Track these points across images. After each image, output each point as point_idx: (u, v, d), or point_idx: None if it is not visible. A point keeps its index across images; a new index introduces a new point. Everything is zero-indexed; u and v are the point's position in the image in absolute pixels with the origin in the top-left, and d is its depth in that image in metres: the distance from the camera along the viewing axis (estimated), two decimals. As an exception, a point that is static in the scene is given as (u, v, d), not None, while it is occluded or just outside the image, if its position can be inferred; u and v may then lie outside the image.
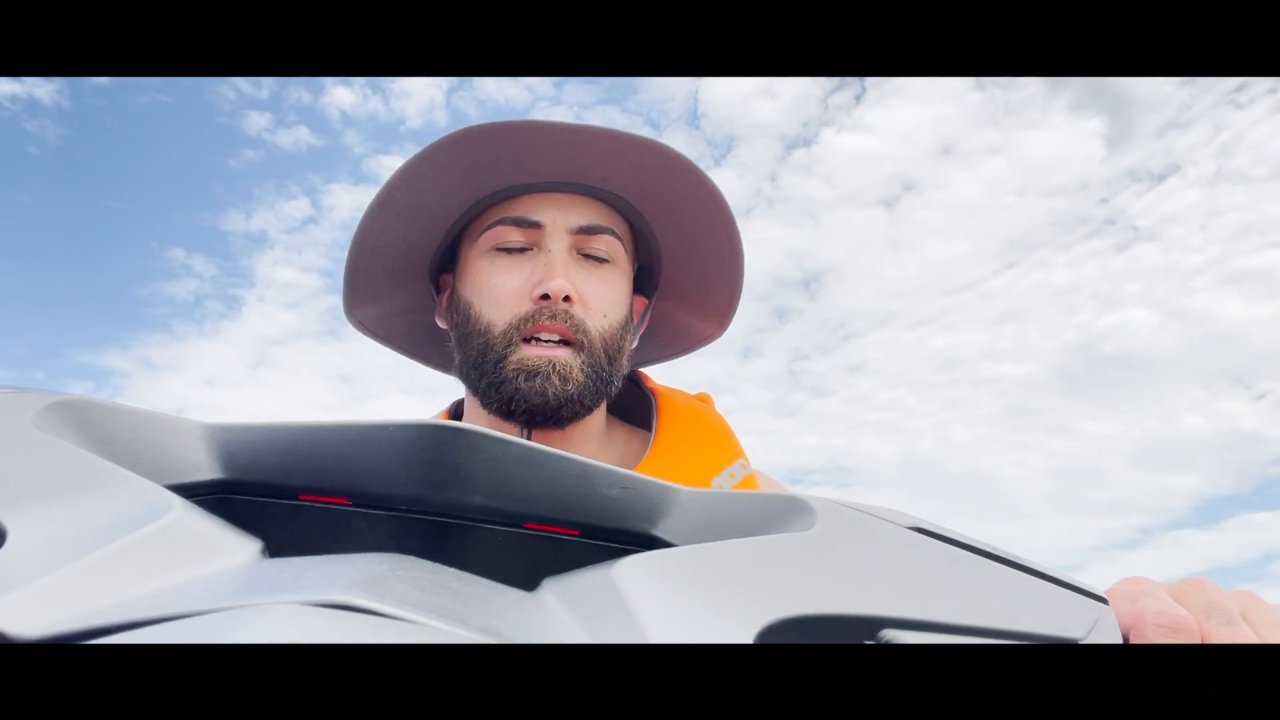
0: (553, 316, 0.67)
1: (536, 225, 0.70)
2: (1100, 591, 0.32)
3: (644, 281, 0.79)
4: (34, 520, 0.22)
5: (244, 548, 0.23)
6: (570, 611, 0.22)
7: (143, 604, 0.19)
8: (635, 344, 0.77)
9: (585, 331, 0.68)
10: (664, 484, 0.32)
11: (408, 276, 0.77)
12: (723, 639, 0.21)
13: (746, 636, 0.22)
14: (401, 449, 0.29)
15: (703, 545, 0.26)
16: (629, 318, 0.74)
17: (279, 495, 0.31)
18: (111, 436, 0.30)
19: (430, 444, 0.29)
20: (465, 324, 0.71)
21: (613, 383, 0.71)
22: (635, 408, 0.82)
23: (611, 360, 0.70)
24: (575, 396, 0.67)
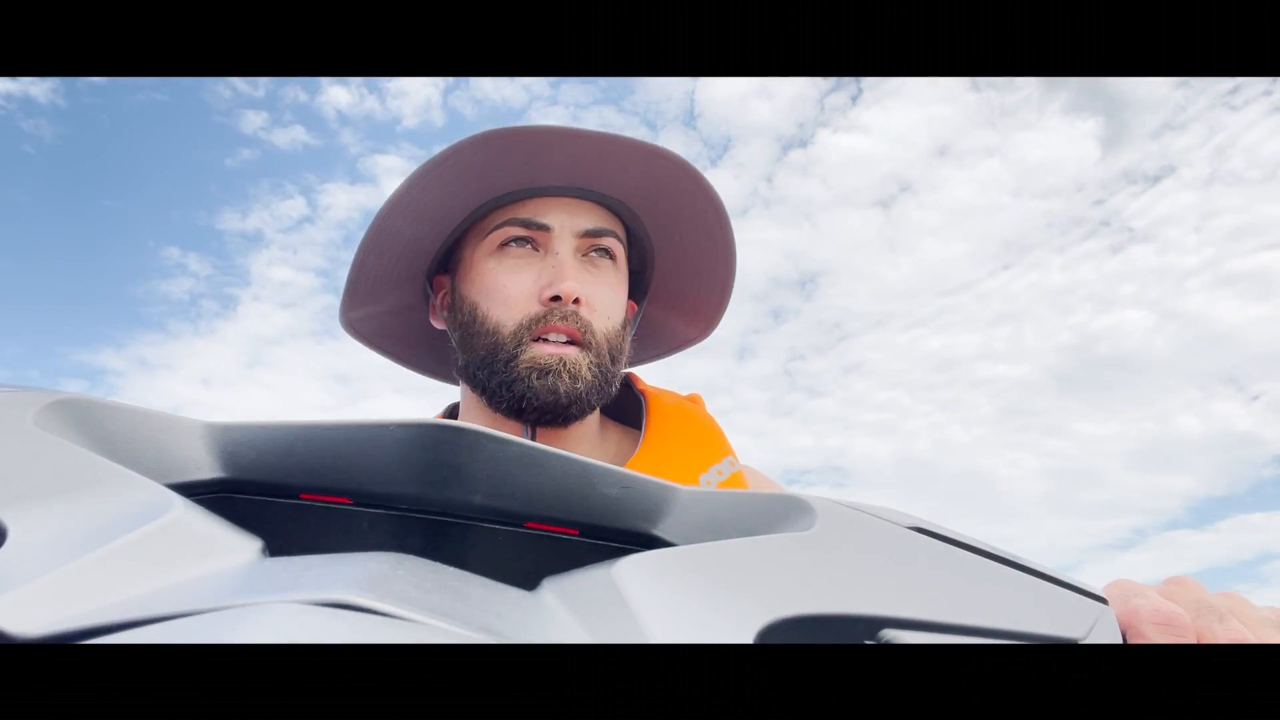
0: (563, 318, 0.68)
1: (545, 228, 0.71)
2: (1100, 591, 0.32)
3: (633, 286, 0.81)
4: (35, 519, 0.22)
5: (244, 547, 0.23)
6: (570, 611, 0.22)
7: (143, 603, 0.19)
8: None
9: (592, 332, 0.70)
10: (664, 484, 0.32)
11: (406, 276, 0.77)
12: (723, 639, 0.21)
13: (746, 636, 0.22)
14: (402, 448, 0.29)
15: (703, 545, 0.26)
16: (627, 320, 0.76)
17: (279, 494, 0.31)
18: (112, 435, 0.30)
19: (431, 443, 0.29)
20: (471, 324, 0.72)
21: (614, 382, 0.73)
22: (626, 408, 0.83)
23: (614, 360, 0.72)
24: (584, 394, 0.69)
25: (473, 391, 0.74)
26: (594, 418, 0.77)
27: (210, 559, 0.22)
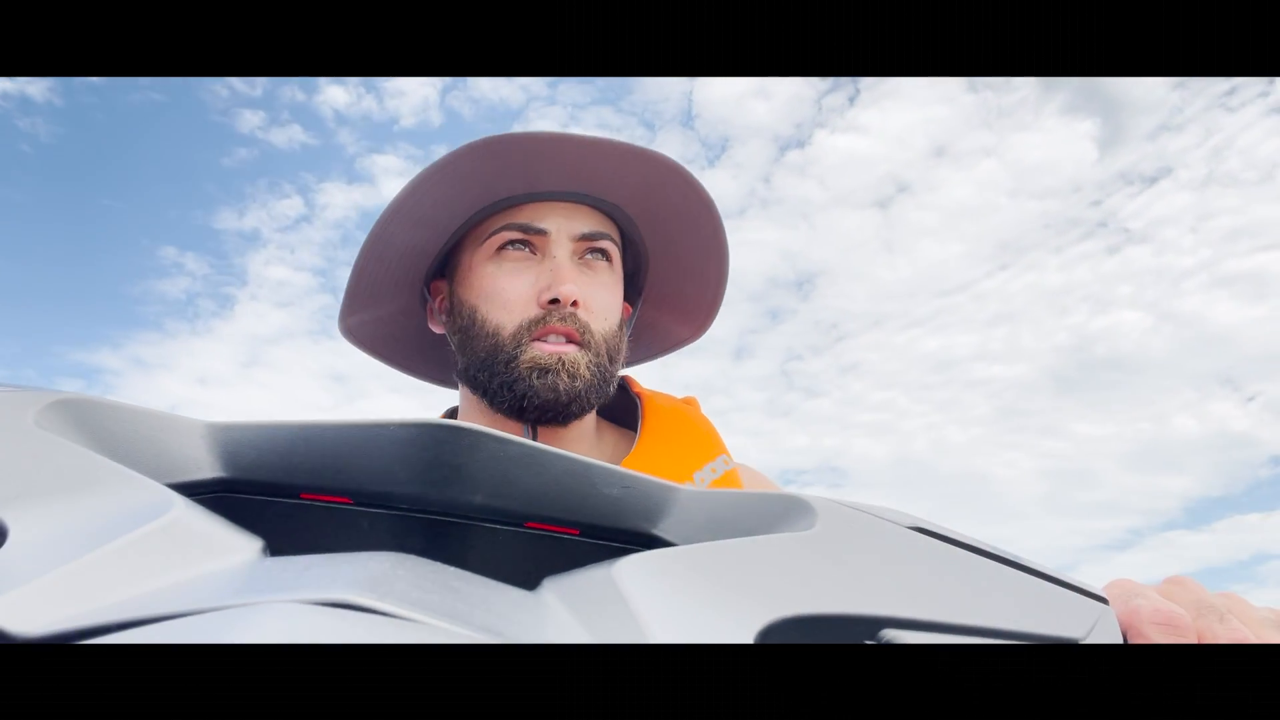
0: (561, 319, 0.70)
1: (542, 232, 0.73)
2: (1101, 591, 0.32)
3: (628, 288, 0.83)
4: (35, 518, 0.22)
5: (245, 546, 0.23)
6: (571, 611, 0.22)
7: (143, 602, 0.19)
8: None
9: (590, 332, 0.72)
10: (665, 484, 0.32)
11: (405, 282, 0.79)
12: (723, 639, 0.21)
13: (747, 636, 0.21)
14: (403, 448, 0.29)
15: (703, 545, 0.26)
16: (624, 321, 0.78)
17: (280, 494, 0.31)
18: (113, 435, 0.30)
19: (431, 443, 0.29)
20: (470, 327, 0.73)
21: (612, 382, 0.75)
22: (622, 411, 0.85)
23: (612, 360, 0.74)
24: (582, 392, 0.70)
25: (473, 393, 0.75)
26: (591, 419, 0.78)
27: (210, 559, 0.22)
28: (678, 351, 0.91)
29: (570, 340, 0.70)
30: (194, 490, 0.30)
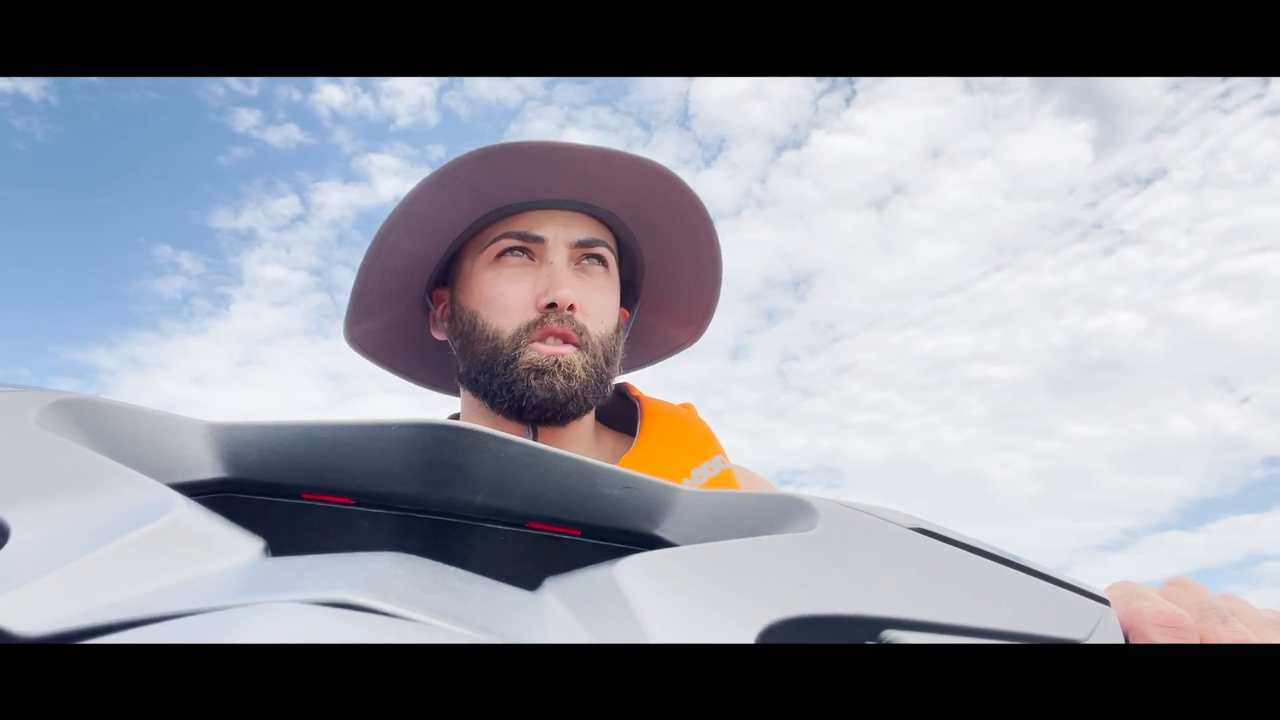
0: (559, 322, 0.73)
1: (540, 240, 0.75)
2: (1102, 592, 0.32)
3: (625, 293, 0.85)
4: (37, 518, 0.22)
5: (246, 546, 0.23)
6: (572, 611, 0.22)
7: (145, 602, 0.19)
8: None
9: (587, 335, 0.74)
10: (666, 484, 0.32)
11: (407, 290, 0.81)
12: (724, 639, 0.21)
13: (748, 636, 0.21)
14: (404, 448, 0.29)
15: (704, 545, 0.26)
16: (620, 324, 0.80)
17: (282, 494, 0.31)
18: (115, 435, 0.30)
19: (433, 443, 0.29)
20: (471, 332, 0.76)
21: (609, 383, 0.77)
22: (622, 416, 0.87)
23: (609, 362, 0.76)
24: (579, 392, 0.73)
25: (473, 396, 0.77)
26: (590, 421, 0.81)
27: (212, 559, 0.22)
28: (674, 352, 0.92)
29: (567, 342, 0.73)
30: (195, 490, 0.30)
